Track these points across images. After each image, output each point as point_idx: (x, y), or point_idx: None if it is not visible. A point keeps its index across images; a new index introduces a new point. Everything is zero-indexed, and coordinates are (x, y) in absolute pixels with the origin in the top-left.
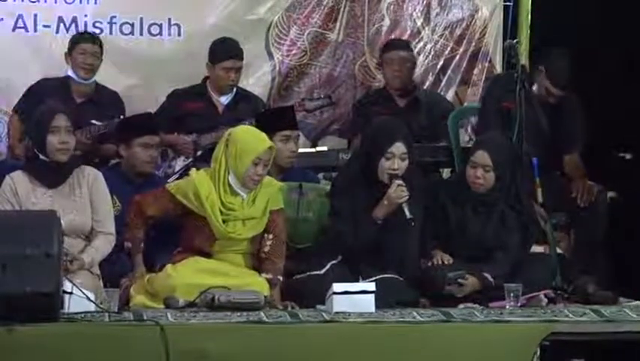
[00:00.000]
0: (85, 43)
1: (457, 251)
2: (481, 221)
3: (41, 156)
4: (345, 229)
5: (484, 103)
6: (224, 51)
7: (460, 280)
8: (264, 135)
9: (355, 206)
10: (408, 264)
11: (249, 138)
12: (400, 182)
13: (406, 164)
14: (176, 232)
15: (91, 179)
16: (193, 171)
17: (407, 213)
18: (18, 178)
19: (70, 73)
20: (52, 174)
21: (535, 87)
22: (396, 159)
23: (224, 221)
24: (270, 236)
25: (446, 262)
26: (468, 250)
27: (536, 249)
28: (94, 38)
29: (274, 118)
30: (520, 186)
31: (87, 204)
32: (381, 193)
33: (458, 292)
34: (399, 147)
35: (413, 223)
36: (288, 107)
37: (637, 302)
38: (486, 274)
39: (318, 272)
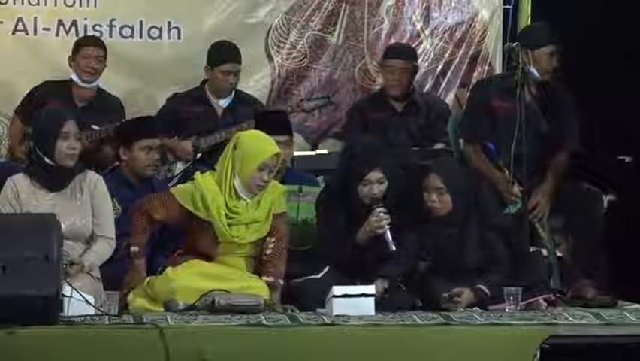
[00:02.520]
0: (89, 47)
1: (445, 269)
2: (460, 241)
3: (47, 160)
4: (332, 253)
5: (469, 107)
6: (223, 54)
7: (455, 299)
8: (271, 141)
9: (339, 229)
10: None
11: (255, 143)
12: (381, 210)
13: (385, 186)
14: (176, 234)
15: (92, 183)
16: (198, 174)
17: (389, 242)
18: (19, 181)
19: (73, 76)
20: (56, 178)
21: (531, 69)
22: (373, 184)
23: (229, 225)
24: (273, 239)
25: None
26: (455, 268)
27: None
28: (98, 42)
29: (267, 121)
30: (488, 200)
31: (88, 208)
32: (365, 212)
33: (454, 308)
34: (374, 175)
35: (395, 250)
36: (279, 112)
37: (637, 305)
38: (480, 286)
39: (315, 276)
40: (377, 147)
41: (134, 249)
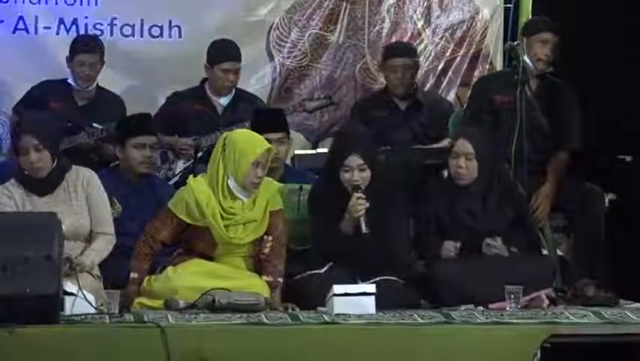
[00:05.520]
0: (83, 55)
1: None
2: (479, 213)
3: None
4: (322, 245)
5: (471, 102)
6: (222, 53)
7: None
8: (260, 137)
9: (328, 219)
10: (394, 268)
11: (246, 141)
12: (359, 195)
13: (367, 174)
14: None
15: (86, 180)
16: (190, 178)
17: (363, 227)
18: (12, 187)
19: (70, 80)
20: (41, 185)
21: (526, 58)
22: (354, 171)
23: (225, 226)
24: (270, 238)
25: (452, 251)
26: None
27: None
28: (92, 48)
29: (261, 120)
30: (505, 175)
31: (84, 207)
32: (347, 201)
33: (490, 251)
34: (354, 160)
35: (368, 236)
36: (273, 110)
37: (638, 304)
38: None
39: (318, 271)
40: (358, 133)
41: (133, 275)
